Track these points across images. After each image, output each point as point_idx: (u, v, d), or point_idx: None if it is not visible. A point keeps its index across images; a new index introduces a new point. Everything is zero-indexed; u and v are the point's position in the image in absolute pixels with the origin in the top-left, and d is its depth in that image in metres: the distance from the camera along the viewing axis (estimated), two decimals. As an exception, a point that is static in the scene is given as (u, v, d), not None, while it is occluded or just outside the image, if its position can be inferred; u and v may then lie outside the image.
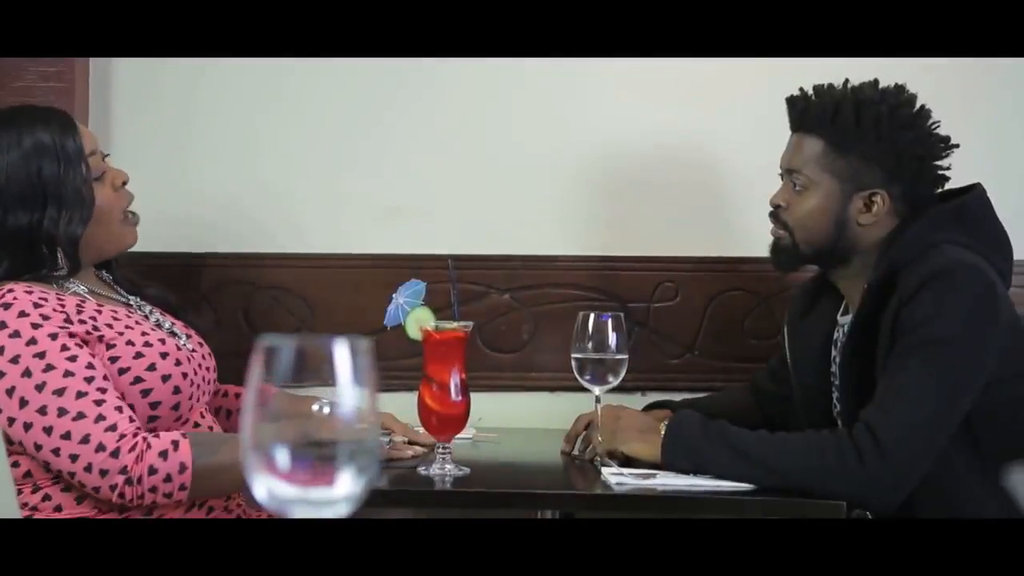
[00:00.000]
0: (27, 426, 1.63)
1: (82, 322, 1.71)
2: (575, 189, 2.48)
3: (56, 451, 1.62)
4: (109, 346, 1.72)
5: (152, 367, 1.74)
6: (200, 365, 1.83)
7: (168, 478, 1.63)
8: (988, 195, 1.89)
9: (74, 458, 1.62)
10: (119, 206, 1.85)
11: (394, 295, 1.79)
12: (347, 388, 0.77)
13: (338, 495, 0.76)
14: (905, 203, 1.87)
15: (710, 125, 2.45)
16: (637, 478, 1.69)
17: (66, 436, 1.62)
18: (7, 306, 1.67)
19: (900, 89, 1.88)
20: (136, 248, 1.93)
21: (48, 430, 1.62)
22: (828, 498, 1.63)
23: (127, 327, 1.76)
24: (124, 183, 1.87)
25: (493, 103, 2.47)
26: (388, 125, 2.47)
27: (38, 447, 1.63)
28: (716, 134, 2.45)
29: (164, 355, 1.76)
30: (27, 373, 1.63)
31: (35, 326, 1.66)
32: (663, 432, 1.75)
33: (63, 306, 1.71)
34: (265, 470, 0.76)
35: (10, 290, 1.69)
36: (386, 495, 1.66)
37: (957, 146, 1.88)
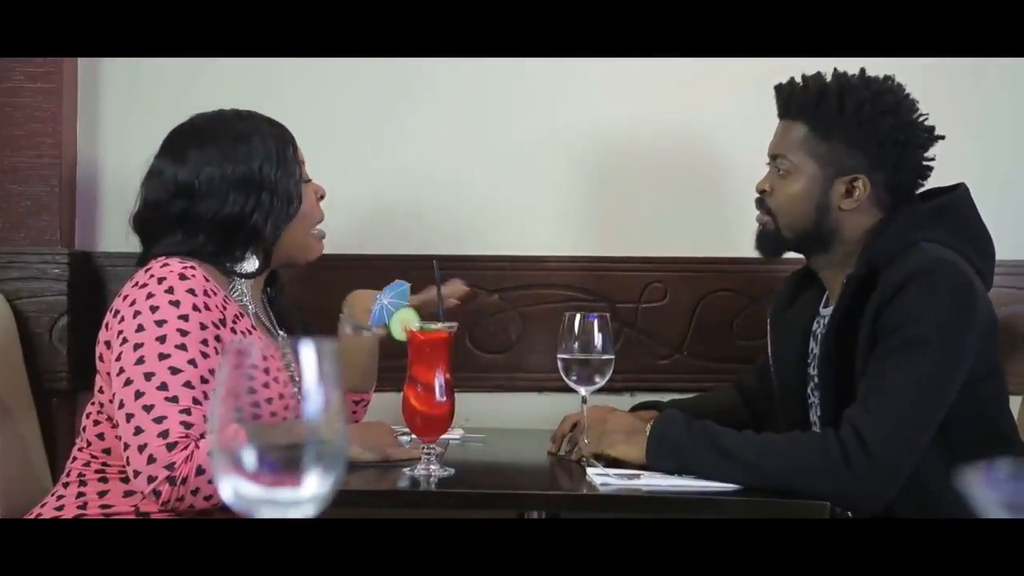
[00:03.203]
0: (127, 381, 1.65)
1: (233, 332, 1.74)
2: (564, 190, 2.48)
3: (130, 416, 1.63)
4: None
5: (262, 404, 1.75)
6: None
7: (213, 480, 1.61)
8: (971, 195, 1.90)
9: (138, 431, 1.61)
10: (315, 215, 1.92)
11: (379, 296, 1.79)
12: (313, 389, 0.77)
13: (305, 496, 0.77)
14: (887, 191, 1.88)
15: (699, 126, 2.46)
16: (622, 478, 1.69)
17: (148, 408, 1.62)
18: (184, 277, 1.72)
19: (885, 79, 1.89)
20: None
21: (138, 394, 1.63)
22: (813, 499, 1.63)
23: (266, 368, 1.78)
24: (321, 197, 1.94)
25: (482, 103, 2.48)
26: (376, 126, 2.47)
27: (121, 404, 1.65)
28: (705, 135, 2.46)
29: (283, 402, 1.77)
30: (161, 339, 1.66)
31: (195, 308, 1.70)
32: (647, 433, 1.75)
33: (225, 308, 1.76)
34: (232, 470, 0.76)
35: (192, 266, 1.74)
36: (370, 496, 1.66)
37: (942, 137, 1.89)
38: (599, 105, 2.46)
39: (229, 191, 1.80)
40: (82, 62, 2.43)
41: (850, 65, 1.91)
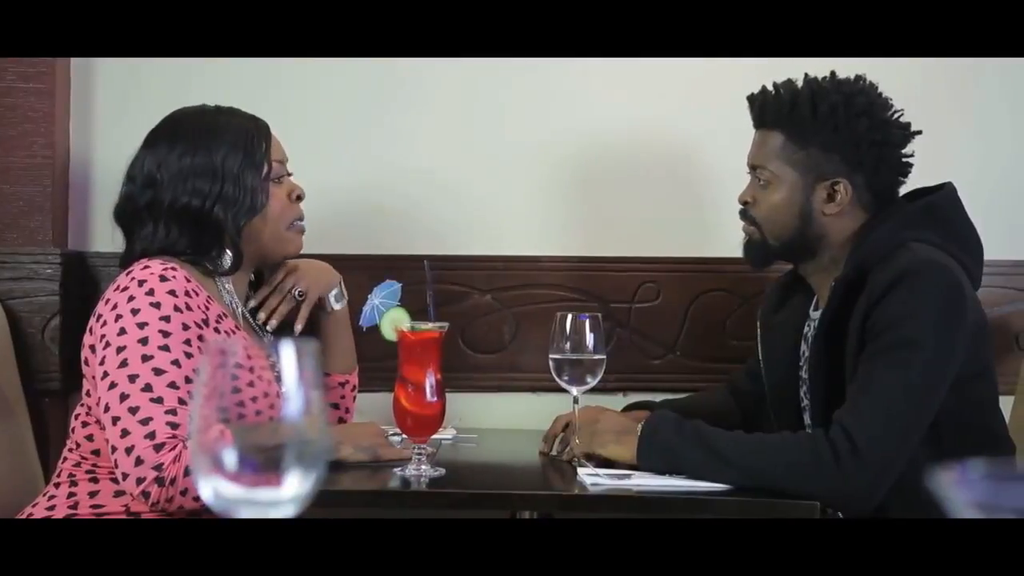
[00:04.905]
0: (112, 385, 1.65)
1: (217, 331, 1.75)
2: (557, 190, 2.48)
3: (116, 419, 1.63)
4: None
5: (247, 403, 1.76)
6: None
7: None
8: (958, 194, 1.90)
9: (124, 433, 1.61)
10: (289, 214, 1.90)
11: (370, 295, 1.78)
12: (293, 389, 0.77)
13: (285, 496, 0.77)
14: (869, 192, 1.88)
15: (693, 126, 2.46)
16: (613, 478, 1.69)
17: (133, 410, 1.62)
18: (164, 278, 1.72)
19: (856, 79, 1.89)
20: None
21: (123, 397, 1.63)
22: (804, 499, 1.63)
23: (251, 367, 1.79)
24: (300, 197, 1.92)
25: (475, 103, 2.47)
26: (370, 126, 2.47)
27: (107, 407, 1.64)
28: (698, 135, 2.45)
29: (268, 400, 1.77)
30: (144, 341, 1.66)
31: (176, 309, 1.70)
32: (638, 433, 1.75)
33: (207, 308, 1.75)
34: (212, 471, 0.76)
35: (173, 268, 1.74)
36: (361, 495, 1.66)
37: (919, 133, 1.89)
38: (593, 105, 2.46)
39: (188, 181, 1.80)
40: (75, 62, 2.43)
41: (849, 65, 1.91)
